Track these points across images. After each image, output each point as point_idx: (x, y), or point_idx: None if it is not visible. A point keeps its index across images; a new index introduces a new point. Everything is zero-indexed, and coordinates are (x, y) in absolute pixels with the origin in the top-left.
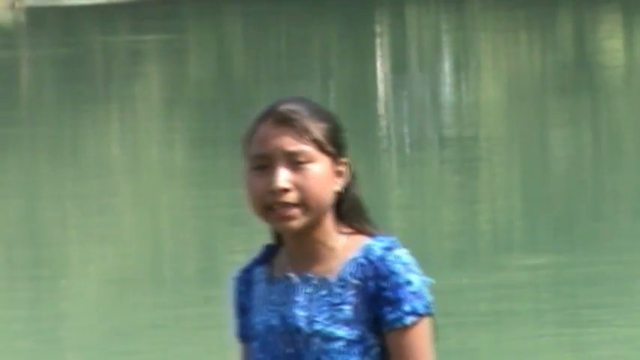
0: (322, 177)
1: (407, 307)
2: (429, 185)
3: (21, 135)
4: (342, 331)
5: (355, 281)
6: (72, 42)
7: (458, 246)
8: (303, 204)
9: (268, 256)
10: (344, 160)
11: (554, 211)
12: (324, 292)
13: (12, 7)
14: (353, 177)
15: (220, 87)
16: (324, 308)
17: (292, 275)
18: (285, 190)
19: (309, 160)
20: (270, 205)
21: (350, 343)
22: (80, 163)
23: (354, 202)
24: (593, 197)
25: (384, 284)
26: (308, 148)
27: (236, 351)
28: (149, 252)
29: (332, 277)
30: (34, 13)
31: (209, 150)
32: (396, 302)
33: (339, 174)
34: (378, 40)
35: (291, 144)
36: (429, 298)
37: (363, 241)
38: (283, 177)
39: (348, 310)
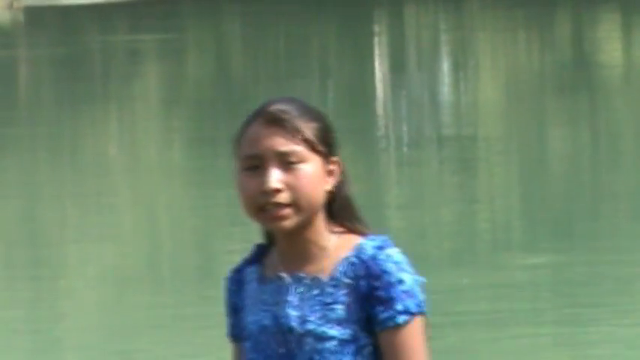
0: (314, 177)
1: (399, 306)
2: (428, 185)
3: (19, 135)
4: (334, 331)
5: (347, 280)
6: (70, 41)
7: (456, 245)
8: (295, 204)
9: (260, 255)
10: (335, 159)
11: (553, 210)
12: (316, 292)
13: (10, 6)
14: (344, 176)
15: (219, 86)
16: (317, 308)
17: (284, 275)
18: (277, 191)
19: (301, 160)
20: (262, 206)
21: (342, 342)
22: (79, 163)
23: (345, 201)
24: (592, 197)
25: (377, 283)
26: (299, 148)
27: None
28: (148, 251)
29: (324, 277)
30: (32, 12)
31: (208, 149)
32: (389, 301)
33: (330, 173)
34: (376, 40)
35: (283, 144)
36: (422, 296)
37: (354, 240)
38: (275, 177)
39: (340, 309)
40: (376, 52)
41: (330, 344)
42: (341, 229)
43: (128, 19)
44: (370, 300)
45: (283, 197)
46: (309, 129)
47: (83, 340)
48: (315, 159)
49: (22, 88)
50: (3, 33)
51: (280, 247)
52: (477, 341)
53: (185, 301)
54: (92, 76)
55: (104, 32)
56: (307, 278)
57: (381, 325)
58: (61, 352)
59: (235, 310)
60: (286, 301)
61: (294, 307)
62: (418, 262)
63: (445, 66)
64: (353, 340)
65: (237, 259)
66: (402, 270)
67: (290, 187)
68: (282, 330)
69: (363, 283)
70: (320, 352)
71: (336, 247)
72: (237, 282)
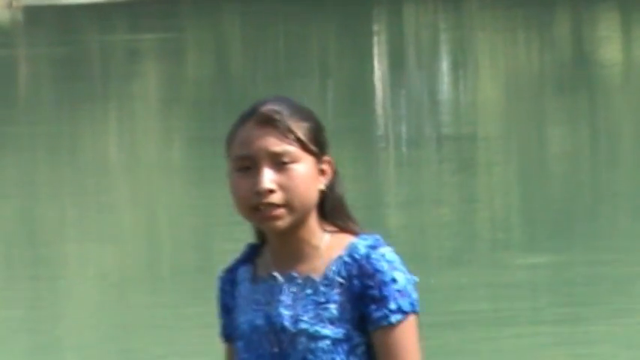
0: (307, 177)
1: (393, 305)
2: (427, 184)
3: (19, 134)
4: (327, 330)
5: (340, 280)
6: (69, 41)
7: (456, 244)
8: (289, 204)
9: (251, 255)
10: (326, 158)
11: (552, 209)
12: (309, 291)
13: (9, 5)
14: (335, 175)
15: (218, 86)
16: (310, 307)
17: (277, 274)
18: (271, 191)
19: (294, 160)
20: (255, 206)
21: (336, 341)
22: (78, 162)
23: (337, 200)
24: (591, 196)
25: (370, 282)
26: (292, 148)
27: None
28: (147, 251)
29: (317, 276)
30: (31, 11)
31: (207, 149)
32: (382, 300)
33: (322, 172)
34: (375, 39)
35: (276, 144)
36: (415, 295)
37: (347, 239)
38: (268, 178)
39: (333, 308)
40: (375, 51)
41: (324, 343)
42: (333, 228)
43: (127, 19)
44: (363, 299)
45: (276, 198)
46: (301, 129)
47: (82, 340)
48: (308, 158)
49: (22, 88)
50: (2, 32)
51: (272, 247)
52: (477, 340)
53: (185, 301)
54: (91, 76)
55: (103, 31)
56: (300, 278)
57: (374, 325)
58: (60, 351)
59: (227, 310)
60: (279, 301)
61: (287, 307)
62: (418, 262)
63: (444, 65)
64: (346, 339)
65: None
66: (395, 269)
67: (283, 187)
68: (275, 329)
69: (356, 282)
70: (313, 351)
71: (329, 247)
72: (229, 282)
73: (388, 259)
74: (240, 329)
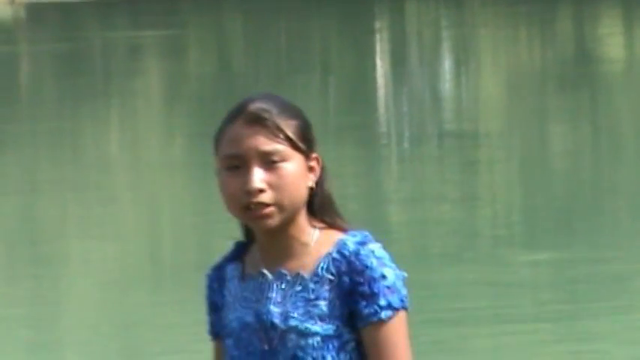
0: (296, 175)
1: (382, 302)
2: (429, 181)
3: (21, 130)
4: (317, 327)
5: (329, 276)
6: (71, 37)
7: (458, 241)
8: (279, 203)
9: (240, 253)
10: (314, 155)
11: (554, 206)
12: (298, 288)
13: (12, 2)
14: (323, 171)
15: (220, 82)
16: (299, 304)
17: (266, 272)
18: (261, 191)
19: (283, 159)
20: (246, 205)
21: (325, 338)
22: (80, 159)
23: (326, 197)
24: (593, 193)
25: (359, 279)
26: (281, 147)
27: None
28: (149, 247)
29: (306, 273)
30: (33, 8)
31: (209, 145)
32: (372, 297)
33: (311, 169)
34: (377, 36)
35: (265, 143)
36: (404, 291)
37: (336, 236)
38: (258, 177)
39: (323, 305)
40: (377, 48)
41: (313, 340)
42: (322, 225)
43: (129, 16)
44: (353, 295)
45: (266, 197)
46: (289, 127)
47: (84, 337)
48: (297, 156)
49: (24, 84)
50: (4, 29)
51: (261, 244)
52: (478, 337)
53: (186, 298)
54: (93, 73)
55: (105, 28)
56: (289, 275)
57: (364, 321)
58: (61, 348)
59: (216, 307)
60: (268, 298)
61: (277, 304)
62: (419, 258)
63: (446, 62)
64: (336, 335)
65: None
66: (385, 265)
67: (273, 186)
68: (265, 327)
69: (345, 278)
70: (303, 348)
71: (318, 243)
72: (217, 280)
73: (377, 255)
74: (229, 327)
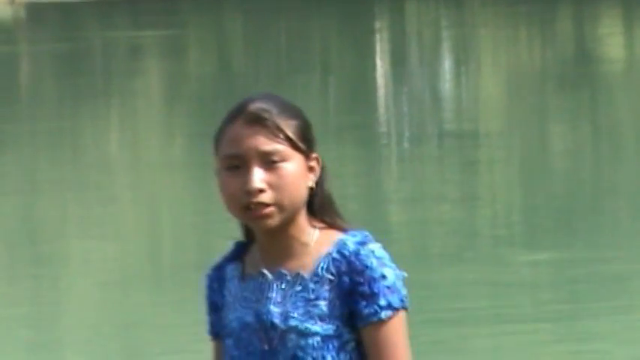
0: (296, 175)
1: (382, 302)
2: (429, 181)
3: (21, 130)
4: (317, 327)
5: (329, 276)
6: (72, 37)
7: (458, 241)
8: (279, 203)
9: (239, 253)
10: (314, 155)
11: (555, 206)
12: (298, 288)
13: (12, 2)
14: (323, 171)
15: (220, 82)
16: (299, 304)
17: (266, 272)
18: (261, 191)
19: (283, 159)
20: (246, 205)
21: (325, 338)
22: (80, 159)
23: (325, 196)
24: (593, 193)
25: (359, 279)
26: (281, 147)
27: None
28: (149, 247)
29: (306, 273)
30: (33, 8)
31: (209, 145)
32: (372, 296)
33: (311, 169)
34: (377, 36)
35: (265, 144)
36: (404, 291)
37: (336, 235)
38: (258, 177)
39: (323, 305)
40: (377, 48)
41: (314, 340)
42: (321, 225)
43: (129, 16)
44: (353, 295)
45: (267, 197)
46: (289, 127)
47: (84, 337)
48: (297, 156)
49: (24, 84)
50: (4, 29)
51: (261, 244)
52: (478, 337)
53: (187, 298)
54: (93, 72)
55: (105, 28)
56: (289, 275)
57: (364, 321)
58: (62, 348)
59: (215, 307)
60: (268, 298)
61: (277, 304)
62: (420, 258)
63: (446, 62)
64: (336, 335)
65: None
66: (385, 265)
67: (273, 186)
68: (265, 327)
69: (345, 278)
70: (303, 348)
71: (318, 243)
72: (217, 280)
73: (377, 255)
74: (229, 327)
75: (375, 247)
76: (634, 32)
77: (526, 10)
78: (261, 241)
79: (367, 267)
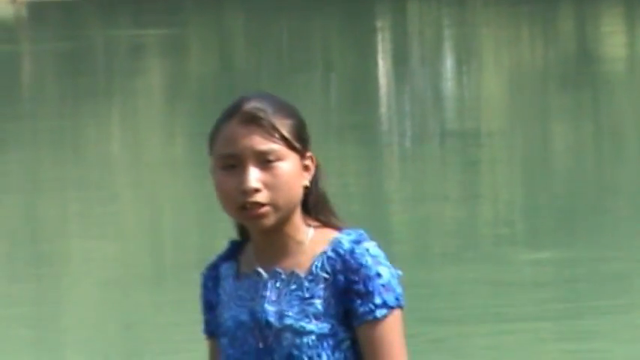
0: (292, 174)
1: (378, 300)
2: (431, 180)
3: (22, 129)
4: (312, 326)
5: (324, 275)
6: (73, 36)
7: (459, 240)
8: (274, 202)
9: (234, 252)
10: (309, 154)
11: (557, 205)
12: (293, 287)
13: (13, 1)
14: (318, 170)
15: (222, 81)
16: (295, 303)
17: (261, 270)
18: (256, 190)
19: (279, 159)
20: (242, 205)
21: (321, 337)
22: (81, 158)
23: (320, 195)
24: (595, 192)
25: (354, 277)
26: (277, 147)
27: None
28: (150, 246)
29: (301, 272)
30: (35, 7)
31: None
32: (367, 295)
33: (306, 168)
34: (379, 35)
35: (261, 143)
36: (399, 290)
37: (331, 234)
38: (254, 177)
39: (318, 304)
40: (379, 47)
41: (309, 339)
42: (316, 223)
43: (131, 14)
44: (348, 294)
45: (262, 196)
46: (285, 126)
47: (85, 337)
48: (292, 156)
49: (25, 83)
50: (6, 28)
51: (256, 243)
52: (480, 335)
53: (187, 297)
54: (95, 71)
55: (107, 27)
56: (284, 273)
57: (359, 319)
58: (63, 348)
59: (211, 306)
60: (263, 297)
61: (272, 303)
62: (421, 257)
63: (448, 61)
64: (331, 334)
65: None
66: (380, 263)
67: (269, 186)
68: (260, 325)
69: (340, 277)
70: (298, 346)
71: (313, 242)
72: (212, 278)
73: (372, 253)
74: (224, 325)
75: (370, 245)
76: (636, 31)
77: (528, 9)
78: (256, 239)
79: (362, 265)
